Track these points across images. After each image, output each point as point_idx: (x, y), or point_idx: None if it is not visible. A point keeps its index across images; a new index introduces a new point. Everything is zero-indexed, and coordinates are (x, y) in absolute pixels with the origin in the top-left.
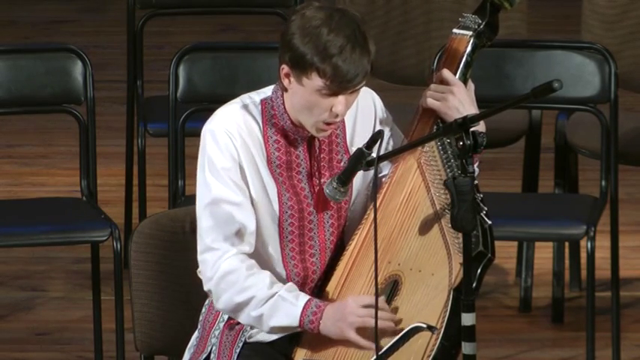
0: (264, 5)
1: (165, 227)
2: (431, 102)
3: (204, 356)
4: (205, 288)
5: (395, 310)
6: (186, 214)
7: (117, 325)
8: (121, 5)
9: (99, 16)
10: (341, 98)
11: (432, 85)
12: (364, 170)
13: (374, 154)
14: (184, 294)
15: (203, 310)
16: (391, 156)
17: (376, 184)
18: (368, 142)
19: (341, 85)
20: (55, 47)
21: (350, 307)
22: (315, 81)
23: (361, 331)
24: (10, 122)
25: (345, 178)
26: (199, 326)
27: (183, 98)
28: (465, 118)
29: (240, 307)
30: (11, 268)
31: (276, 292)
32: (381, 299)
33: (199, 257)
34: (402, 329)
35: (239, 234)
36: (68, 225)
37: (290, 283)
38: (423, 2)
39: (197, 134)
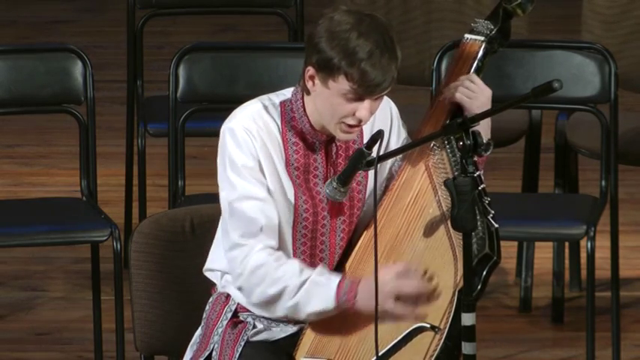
0: (264, 5)
1: (165, 227)
2: (460, 97)
3: (207, 354)
4: (236, 285)
5: (421, 295)
6: (186, 214)
7: (117, 325)
8: (121, 5)
9: (99, 16)
10: (365, 103)
11: (466, 82)
12: (364, 170)
13: (374, 154)
14: (184, 294)
15: (207, 307)
16: (391, 156)
17: (376, 184)
18: (368, 142)
19: (367, 89)
20: (55, 47)
21: (383, 277)
22: (342, 84)
23: (398, 299)
24: (10, 122)
25: (345, 178)
26: (202, 323)
27: (183, 98)
28: (464, 117)
29: (274, 299)
30: (11, 268)
31: (308, 278)
32: (412, 271)
33: (227, 254)
34: (406, 329)
35: (265, 229)
36: (68, 225)
37: (320, 267)
38: (423, 2)
39: (197, 134)
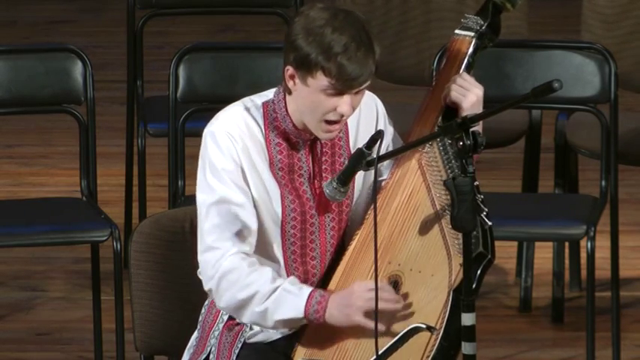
0: (264, 5)
1: (165, 227)
2: (455, 95)
3: (204, 357)
4: (206, 287)
5: (395, 311)
6: (186, 214)
7: (117, 325)
8: (121, 5)
9: (99, 16)
10: (346, 98)
11: (458, 80)
12: (364, 170)
13: (374, 154)
14: (184, 294)
15: (203, 310)
16: (391, 156)
17: (376, 185)
18: (368, 142)
19: (346, 83)
20: (55, 47)
21: (356, 292)
22: (320, 80)
23: (369, 315)
24: (10, 122)
25: (344, 178)
26: (199, 326)
27: (183, 98)
28: (464, 117)
29: (243, 304)
30: (11, 268)
31: (279, 286)
32: (387, 285)
33: (200, 257)
34: (402, 329)
35: (240, 234)
36: (68, 225)
37: (292, 277)
38: (423, 2)
39: (197, 134)
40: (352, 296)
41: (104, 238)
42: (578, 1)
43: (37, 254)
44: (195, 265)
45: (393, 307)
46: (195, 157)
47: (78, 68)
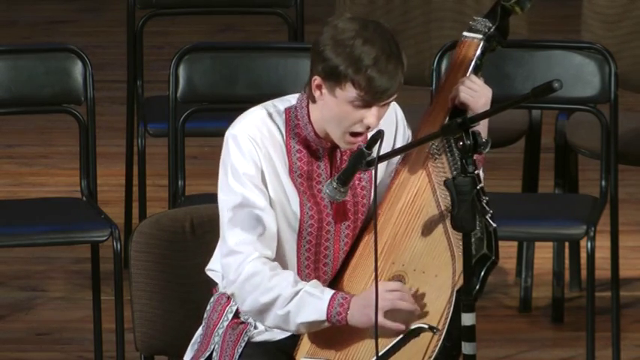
0: (264, 5)
1: (165, 227)
2: (465, 96)
3: (207, 354)
4: (228, 291)
5: (397, 311)
6: (186, 214)
7: (117, 325)
8: (121, 5)
9: (99, 16)
10: (373, 110)
11: (467, 82)
12: (364, 170)
13: (374, 154)
14: (184, 294)
15: (208, 307)
16: (391, 156)
17: (376, 185)
18: (368, 142)
19: (375, 96)
20: (55, 47)
21: (380, 292)
22: (349, 92)
23: (389, 315)
24: (10, 122)
25: (344, 178)
26: (203, 323)
27: (183, 98)
28: (464, 117)
29: (266, 308)
30: (11, 268)
31: (302, 289)
32: (405, 286)
33: (222, 260)
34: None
35: (262, 238)
36: (68, 225)
37: (314, 280)
38: (423, 2)
39: (197, 134)
40: (373, 297)
41: (104, 238)
42: (578, 1)
43: (37, 254)
44: (195, 265)
45: (413, 307)
46: (195, 157)
47: (78, 68)
